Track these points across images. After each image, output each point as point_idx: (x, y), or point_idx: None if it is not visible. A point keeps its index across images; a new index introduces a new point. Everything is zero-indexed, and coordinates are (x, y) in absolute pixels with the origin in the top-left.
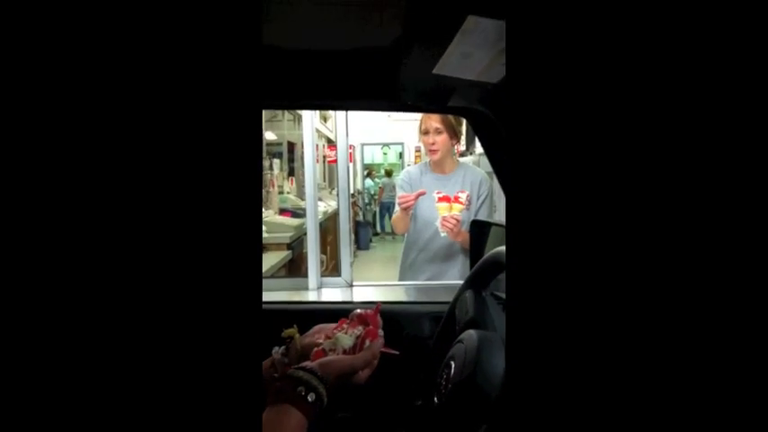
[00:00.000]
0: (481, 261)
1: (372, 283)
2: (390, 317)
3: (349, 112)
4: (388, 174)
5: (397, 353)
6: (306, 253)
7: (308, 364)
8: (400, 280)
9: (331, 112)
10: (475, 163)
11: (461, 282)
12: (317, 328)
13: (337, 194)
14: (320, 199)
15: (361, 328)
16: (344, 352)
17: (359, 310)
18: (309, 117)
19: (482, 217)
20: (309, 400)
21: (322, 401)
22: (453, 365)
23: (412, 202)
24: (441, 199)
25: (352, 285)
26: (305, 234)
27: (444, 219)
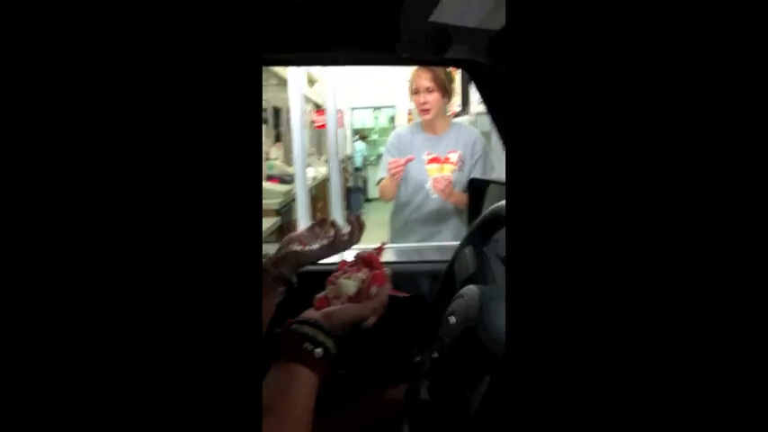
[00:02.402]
0: (482, 216)
1: (364, 246)
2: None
3: (338, 75)
4: (363, 138)
5: (407, 294)
6: (296, 219)
7: (311, 315)
8: (391, 242)
9: (318, 76)
10: (472, 123)
11: (455, 242)
12: (285, 240)
13: (327, 160)
14: (309, 165)
15: (366, 271)
16: (349, 298)
17: (360, 251)
18: (296, 81)
19: (478, 176)
20: (317, 356)
21: (330, 356)
22: (454, 320)
23: (401, 168)
24: (431, 161)
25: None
26: (293, 200)
27: (435, 180)
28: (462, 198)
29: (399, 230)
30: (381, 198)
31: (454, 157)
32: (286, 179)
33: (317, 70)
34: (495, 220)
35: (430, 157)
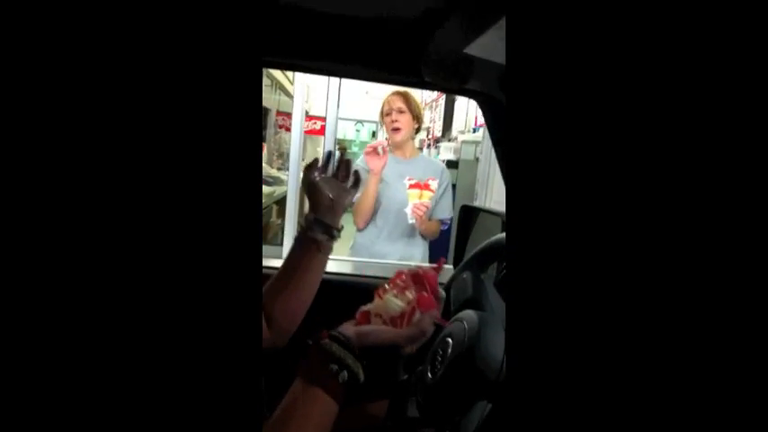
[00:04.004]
0: (484, 244)
1: (344, 257)
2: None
3: (334, 85)
4: (342, 149)
5: (448, 323)
6: (272, 222)
7: (347, 330)
8: (351, 256)
9: (311, 84)
10: (456, 150)
11: (420, 263)
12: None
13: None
14: (288, 169)
15: (414, 292)
16: (391, 319)
17: (415, 267)
18: (302, 89)
19: (445, 206)
20: (341, 380)
21: (357, 380)
22: (451, 342)
23: (382, 153)
24: (412, 186)
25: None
26: (274, 203)
27: (415, 206)
28: (430, 226)
29: (362, 247)
30: (356, 218)
31: (434, 184)
32: (269, 181)
33: (309, 77)
34: (495, 251)
35: (411, 182)
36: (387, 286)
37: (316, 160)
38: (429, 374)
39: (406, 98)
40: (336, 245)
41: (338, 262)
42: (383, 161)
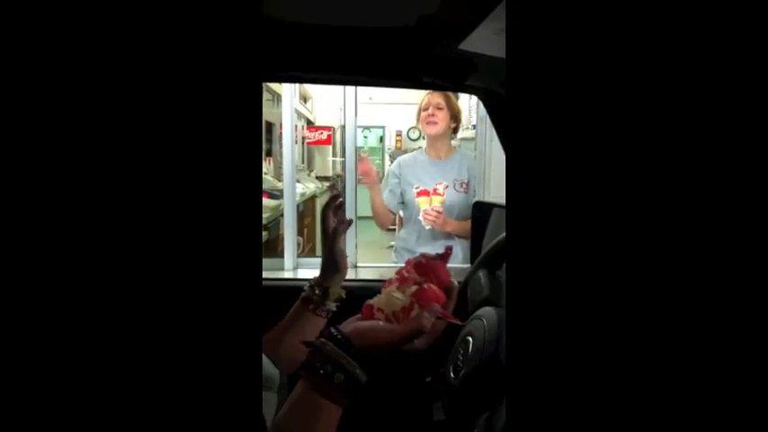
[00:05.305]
0: (496, 242)
1: (379, 264)
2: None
3: (338, 94)
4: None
5: (460, 322)
6: (281, 235)
7: (346, 328)
8: (394, 258)
9: (312, 93)
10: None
11: (462, 265)
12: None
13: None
14: (298, 181)
15: (418, 284)
16: (393, 314)
17: (420, 257)
18: (289, 97)
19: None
20: (336, 382)
21: (356, 381)
22: (472, 341)
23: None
24: (419, 193)
25: None
26: (282, 215)
27: (425, 212)
28: (458, 225)
29: (404, 248)
30: (379, 224)
31: (441, 188)
32: (275, 194)
33: (311, 87)
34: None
35: (418, 190)
36: (394, 278)
37: (333, 199)
38: (452, 374)
39: (446, 96)
40: (371, 251)
41: (366, 270)
42: (368, 167)
